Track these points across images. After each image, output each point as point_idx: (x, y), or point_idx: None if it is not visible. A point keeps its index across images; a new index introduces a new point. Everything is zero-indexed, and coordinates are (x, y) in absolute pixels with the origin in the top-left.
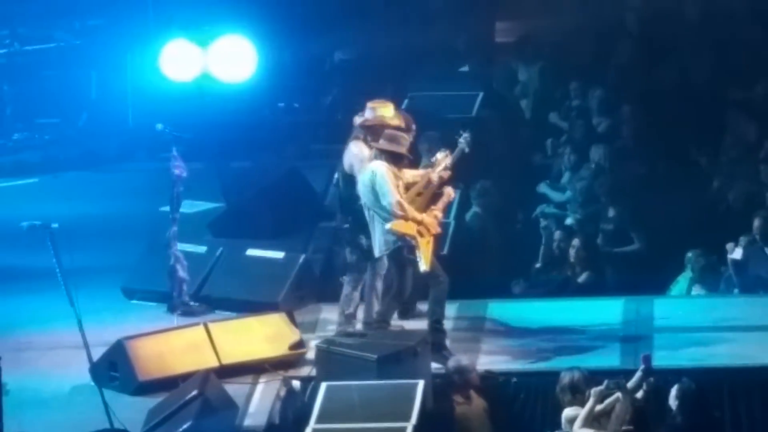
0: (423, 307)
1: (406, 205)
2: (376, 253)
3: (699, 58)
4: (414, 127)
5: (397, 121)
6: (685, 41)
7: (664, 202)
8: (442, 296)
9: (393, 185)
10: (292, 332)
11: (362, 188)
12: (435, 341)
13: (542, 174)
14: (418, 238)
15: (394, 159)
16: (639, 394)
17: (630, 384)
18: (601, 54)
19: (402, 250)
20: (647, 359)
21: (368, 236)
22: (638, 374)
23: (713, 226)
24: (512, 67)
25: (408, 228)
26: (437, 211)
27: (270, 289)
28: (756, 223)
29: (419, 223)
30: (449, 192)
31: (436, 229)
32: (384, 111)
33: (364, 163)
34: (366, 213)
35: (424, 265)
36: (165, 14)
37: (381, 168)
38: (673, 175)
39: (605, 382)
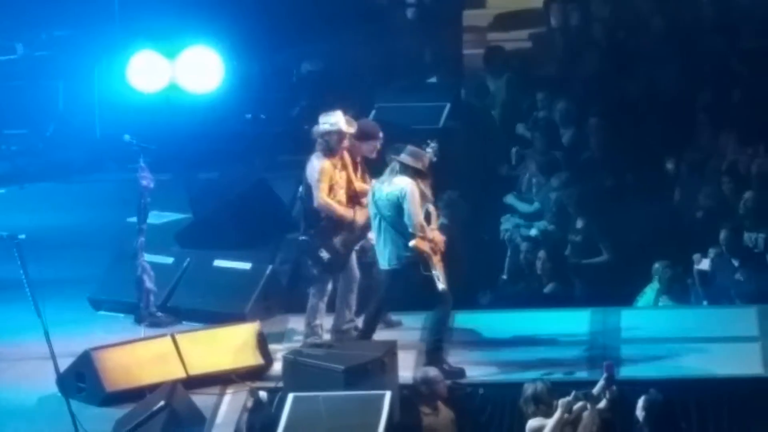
0: (393, 317)
1: (426, 227)
2: (384, 265)
3: (666, 68)
4: (381, 134)
5: (342, 126)
6: (652, 51)
7: (631, 213)
8: (447, 315)
9: (419, 206)
10: (259, 343)
11: (383, 202)
12: (435, 358)
13: (510, 185)
14: (432, 256)
15: (419, 174)
16: (603, 404)
17: (593, 392)
18: (568, 64)
19: (417, 267)
20: (610, 368)
21: (329, 249)
22: (601, 383)
23: (681, 238)
24: (481, 78)
25: (425, 245)
26: (435, 230)
27: (237, 300)
28: (722, 235)
29: (431, 241)
30: (432, 210)
31: (443, 248)
32: (332, 119)
33: (322, 175)
34: (377, 224)
35: (441, 284)
36: (132, 25)
37: (411, 187)
38: (641, 186)
39: (573, 393)
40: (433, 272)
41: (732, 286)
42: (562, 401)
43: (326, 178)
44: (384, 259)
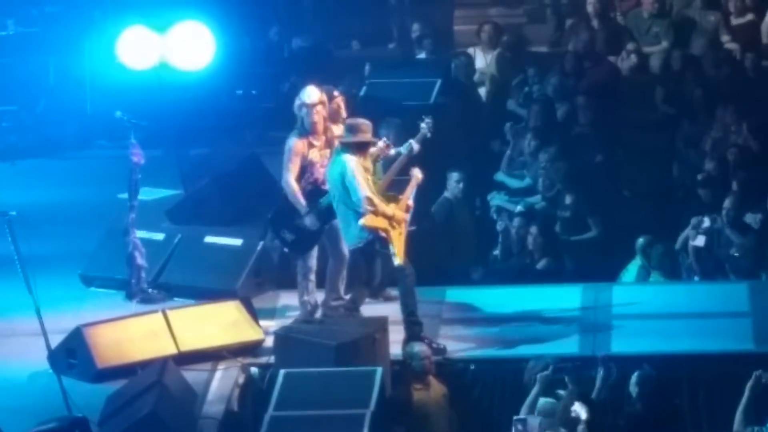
0: (393, 291)
1: (376, 200)
2: (349, 245)
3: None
4: (334, 93)
5: (316, 100)
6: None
7: (621, 188)
8: (412, 288)
9: (363, 179)
10: (251, 319)
11: (331, 182)
12: (412, 334)
13: (501, 161)
14: (390, 231)
15: (360, 148)
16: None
17: (594, 394)
18: (559, 40)
19: (374, 244)
20: (605, 360)
21: (291, 229)
22: (599, 383)
23: (671, 213)
24: (470, 54)
25: (380, 222)
26: (407, 199)
27: (228, 276)
28: (726, 203)
29: (390, 217)
30: (417, 175)
31: (403, 222)
32: (303, 94)
33: (290, 154)
34: (335, 206)
35: (397, 259)
36: (122, 0)
37: (350, 163)
38: (631, 161)
39: (550, 367)
40: (390, 249)
41: (727, 262)
42: (540, 376)
43: (295, 158)
44: (347, 239)
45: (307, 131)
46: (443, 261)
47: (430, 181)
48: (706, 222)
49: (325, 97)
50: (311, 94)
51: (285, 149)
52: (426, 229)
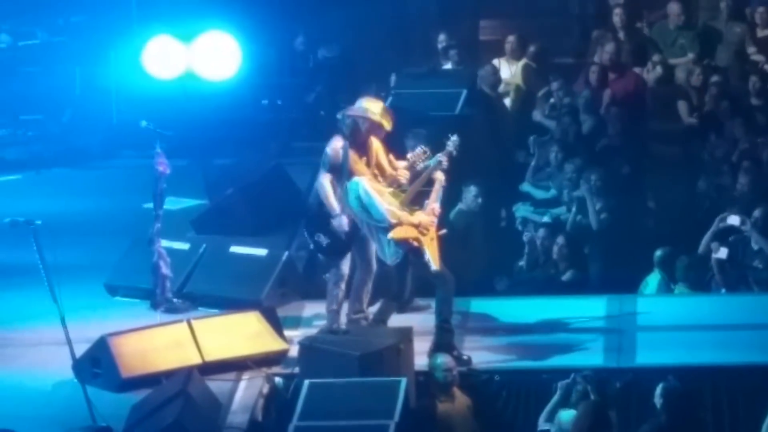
0: (421, 302)
1: (397, 212)
2: (390, 262)
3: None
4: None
5: (379, 118)
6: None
7: (646, 199)
8: (450, 295)
9: (379, 195)
10: (275, 329)
11: (355, 207)
12: (443, 341)
13: (525, 172)
14: (421, 239)
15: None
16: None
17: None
18: (585, 52)
19: (407, 256)
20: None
21: (326, 233)
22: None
23: (696, 224)
24: (495, 65)
25: (408, 232)
26: (434, 204)
27: (253, 286)
28: (757, 212)
29: (416, 225)
30: (440, 177)
31: (431, 226)
32: (369, 104)
33: (328, 159)
34: (365, 229)
35: (433, 265)
36: (149, 10)
37: (361, 183)
38: (656, 173)
39: (572, 376)
40: (425, 256)
41: (750, 273)
42: (560, 384)
43: (333, 161)
44: (387, 258)
45: (353, 139)
46: (462, 271)
47: (454, 191)
48: (732, 220)
49: (387, 120)
50: (376, 110)
51: (324, 152)
52: (445, 239)
